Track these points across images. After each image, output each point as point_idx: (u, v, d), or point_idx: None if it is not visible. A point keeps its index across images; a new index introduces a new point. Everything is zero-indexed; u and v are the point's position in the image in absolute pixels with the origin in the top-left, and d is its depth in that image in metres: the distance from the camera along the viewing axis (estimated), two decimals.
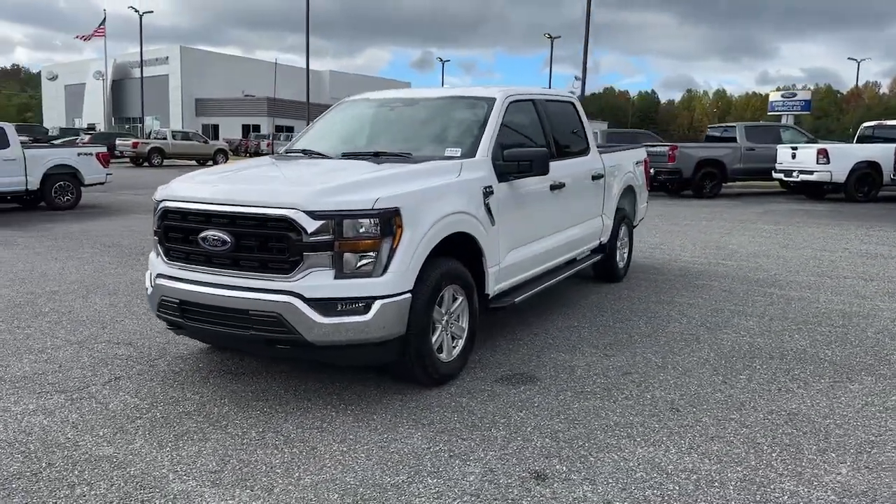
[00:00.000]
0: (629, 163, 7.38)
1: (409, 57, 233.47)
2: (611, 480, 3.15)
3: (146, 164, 32.84)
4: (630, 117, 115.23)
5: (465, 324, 4.48)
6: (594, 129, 9.68)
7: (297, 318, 3.70)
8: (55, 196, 14.59)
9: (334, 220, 3.70)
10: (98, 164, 15.66)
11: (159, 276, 4.22)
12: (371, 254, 3.77)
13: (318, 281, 3.73)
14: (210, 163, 34.46)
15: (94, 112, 56.15)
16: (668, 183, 18.72)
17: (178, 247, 4.11)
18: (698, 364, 4.72)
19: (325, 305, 3.72)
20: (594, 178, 6.30)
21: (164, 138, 34.19)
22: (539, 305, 6.23)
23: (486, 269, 4.63)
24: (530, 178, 5.10)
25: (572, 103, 6.36)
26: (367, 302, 3.76)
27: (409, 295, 3.90)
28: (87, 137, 33.44)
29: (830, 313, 6.08)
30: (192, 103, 54.28)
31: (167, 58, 54.77)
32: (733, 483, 3.13)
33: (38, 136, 37.13)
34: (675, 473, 3.21)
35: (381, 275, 3.79)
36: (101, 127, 51.49)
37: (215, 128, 53.30)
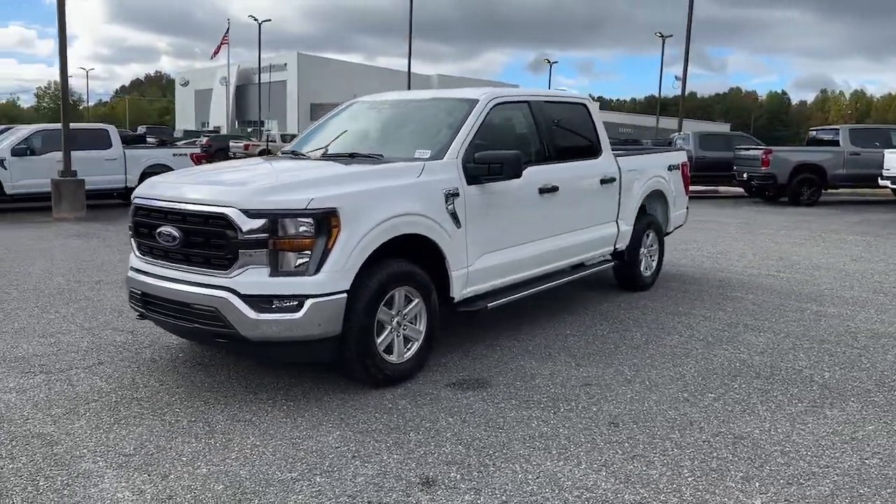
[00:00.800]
0: (656, 167, 7.06)
1: (525, 59, 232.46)
2: (497, 492, 3.06)
3: None
4: (755, 119, 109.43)
5: (422, 326, 4.46)
6: (706, 130, 9.28)
7: (232, 314, 3.83)
8: None
9: (268, 218, 3.80)
10: (192, 164, 16.69)
11: (131, 268, 4.48)
12: (305, 253, 3.83)
13: (254, 278, 3.84)
14: None
15: (220, 115, 59.72)
16: (764, 189, 17.70)
17: (144, 241, 4.35)
18: (671, 380, 4.47)
19: (259, 302, 3.83)
20: (604, 181, 6.08)
21: (274, 141, 35.84)
22: (539, 311, 6.09)
23: (449, 273, 4.59)
24: (512, 182, 5.00)
25: (584, 105, 6.17)
26: (300, 300, 3.83)
27: (344, 295, 3.93)
28: (204, 139, 35.63)
29: (858, 332, 5.58)
30: (308, 107, 56.64)
31: (285, 64, 57.50)
32: None
33: (164, 138, 40.01)
34: (568, 490, 3.08)
35: (315, 274, 3.85)
36: (224, 130, 54.56)
37: None
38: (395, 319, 4.30)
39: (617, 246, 6.51)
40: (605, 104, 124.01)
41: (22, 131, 15.21)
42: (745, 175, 17.56)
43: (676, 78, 44.77)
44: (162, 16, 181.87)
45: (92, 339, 5.28)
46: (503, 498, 3.01)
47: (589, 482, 3.15)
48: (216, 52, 50.64)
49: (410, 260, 4.42)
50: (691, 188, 20.00)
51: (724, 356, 4.96)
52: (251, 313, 3.82)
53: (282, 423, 3.79)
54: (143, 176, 15.40)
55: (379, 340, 4.18)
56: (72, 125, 15.16)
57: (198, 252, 4.01)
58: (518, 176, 4.81)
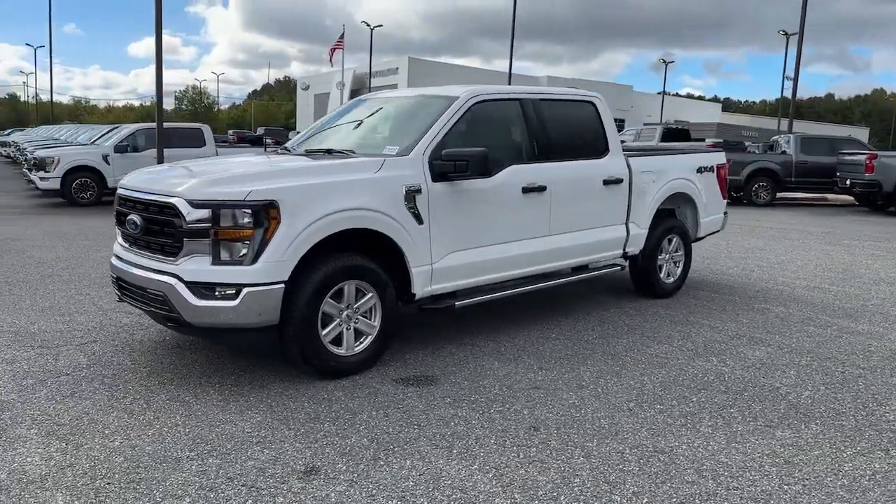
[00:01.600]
0: (680, 169, 6.72)
1: (647, 59, 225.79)
2: (371, 486, 3.06)
3: None
4: None
5: (376, 321, 4.50)
6: (810, 133, 8.78)
7: (177, 299, 4.03)
8: None
9: (211, 209, 3.97)
10: None
11: (114, 254, 4.79)
12: (245, 243, 3.97)
13: (197, 265, 4.01)
14: None
15: None
16: (868, 197, 16.41)
17: (121, 229, 4.65)
18: (626, 389, 4.27)
19: (201, 289, 4.00)
20: (608, 182, 5.87)
21: None
22: (538, 311, 5.98)
23: (409, 269, 4.60)
24: (488, 180, 4.97)
25: (592, 104, 5.98)
26: (238, 289, 3.97)
27: (281, 285, 4.03)
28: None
29: (874, 353, 5.11)
30: None
31: (397, 68, 58.74)
32: None
33: (278, 139, 41.94)
34: (442, 489, 3.03)
35: (252, 264, 3.97)
36: None
37: None
38: (346, 313, 4.35)
39: (628, 250, 6.26)
40: (731, 105, 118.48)
41: (124, 130, 16.47)
42: (847, 181, 16.32)
43: (787, 78, 42.13)
44: (293, 23, 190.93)
45: (101, 320, 5.67)
46: (373, 492, 3.01)
47: (469, 483, 3.08)
48: (331, 57, 52.54)
49: (368, 254, 4.46)
50: (794, 195, 18.92)
51: (703, 368, 4.67)
52: (193, 299, 3.99)
53: (213, 406, 3.93)
54: None
55: (324, 332, 4.25)
56: (169, 125, 16.27)
57: (154, 240, 4.24)
58: (485, 174, 4.75)
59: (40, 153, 15.54)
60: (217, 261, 3.99)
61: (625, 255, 6.29)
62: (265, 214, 3.97)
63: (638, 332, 5.53)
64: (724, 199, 7.38)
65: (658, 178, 6.40)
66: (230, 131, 49.04)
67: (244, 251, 3.97)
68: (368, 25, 50.62)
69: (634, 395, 4.16)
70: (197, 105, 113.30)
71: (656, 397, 4.13)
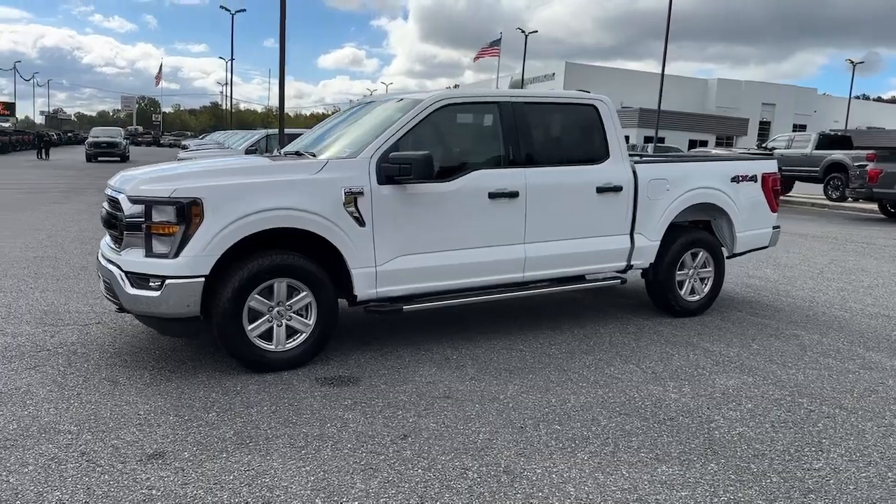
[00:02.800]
0: (706, 177, 6.17)
1: (846, 60, 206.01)
2: (192, 474, 3.16)
3: None
4: None
5: (311, 319, 4.59)
6: None
7: (118, 287, 4.37)
8: None
9: (143, 205, 4.27)
10: None
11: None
12: (170, 237, 4.23)
13: (133, 257, 4.33)
14: None
15: None
16: None
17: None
18: (541, 406, 4.05)
19: (134, 279, 4.31)
20: (602, 189, 5.54)
21: None
22: (525, 321, 5.78)
23: (350, 270, 4.65)
24: (448, 184, 4.92)
25: (594, 107, 5.68)
26: (162, 280, 4.23)
27: (201, 279, 4.24)
28: None
29: (878, 392, 4.44)
30: None
31: (553, 74, 58.36)
32: None
33: None
34: (254, 486, 3.07)
35: (175, 257, 4.22)
36: None
37: None
38: (276, 309, 4.48)
39: (634, 262, 5.86)
40: None
41: (256, 135, 17.79)
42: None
43: None
44: (468, 33, 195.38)
45: (109, 306, 6.21)
46: (189, 481, 3.10)
47: (284, 483, 3.10)
48: (476, 59, 53.23)
49: (310, 254, 4.57)
50: None
51: (647, 393, 4.30)
52: (129, 288, 4.31)
53: (135, 387, 4.21)
54: None
55: (250, 327, 4.41)
56: (291, 130, 17.36)
57: (111, 232, 4.63)
58: (428, 177, 4.69)
59: (181, 155, 17.18)
60: (149, 253, 4.27)
61: (629, 268, 5.90)
62: (189, 211, 4.19)
63: (615, 350, 5.18)
64: (774, 211, 6.67)
65: (674, 187, 5.93)
66: None
67: (169, 245, 4.22)
68: (523, 32, 50.69)
69: (542, 414, 3.92)
70: None
71: (563, 418, 3.88)
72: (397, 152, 4.69)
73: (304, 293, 4.54)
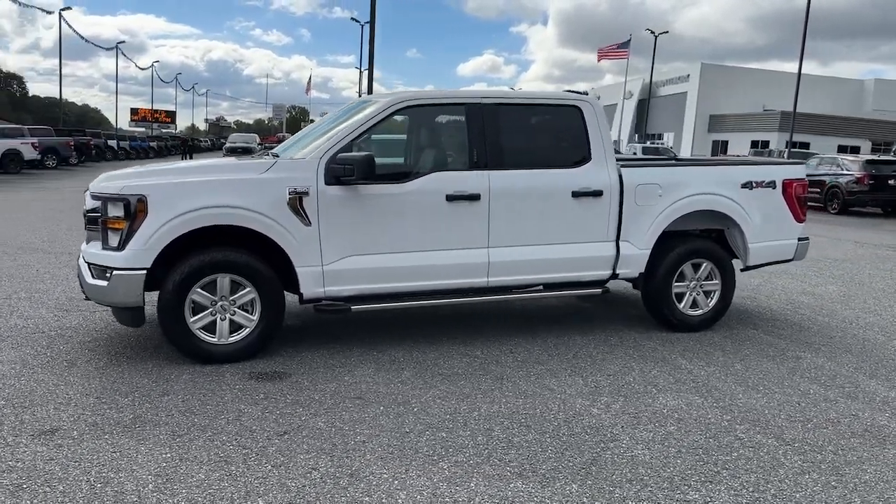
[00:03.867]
0: (707, 183, 5.72)
1: None
2: (69, 452, 3.36)
3: None
4: None
5: (255, 315, 4.75)
6: None
7: (82, 277, 4.74)
8: None
9: (100, 201, 4.60)
10: None
11: None
12: (118, 231, 4.53)
13: (94, 249, 4.68)
14: None
15: (624, 128, 60.96)
16: None
17: None
18: (442, 413, 3.96)
19: (92, 270, 4.65)
20: (579, 194, 5.31)
21: (634, 153, 35.55)
22: (500, 326, 5.65)
23: (295, 269, 4.76)
24: (400, 184, 4.93)
25: (577, 108, 5.46)
26: (110, 271, 4.54)
27: (143, 272, 4.50)
28: None
29: (839, 424, 3.97)
30: (706, 120, 54.20)
31: (688, 76, 55.81)
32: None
33: None
34: (101, 469, 3.24)
35: (121, 250, 4.51)
36: (624, 143, 55.33)
37: (724, 144, 52.22)
38: (220, 304, 4.68)
39: (620, 271, 5.57)
40: None
41: None
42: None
43: None
44: (609, 37, 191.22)
45: None
46: (63, 457, 3.31)
47: (125, 469, 3.23)
48: (599, 58, 51.96)
49: (258, 251, 4.73)
50: None
51: (565, 407, 4.09)
52: (89, 278, 4.65)
53: (87, 371, 4.53)
54: None
55: (193, 319, 4.62)
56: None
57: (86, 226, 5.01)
58: (371, 178, 4.71)
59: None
60: (105, 245, 4.59)
61: (615, 277, 5.60)
62: (134, 207, 4.47)
63: (574, 362, 4.95)
64: (800, 221, 6.09)
65: (668, 193, 5.57)
66: None
67: (117, 238, 4.51)
68: (653, 33, 48.96)
69: (439, 421, 3.84)
70: None
71: (458, 426, 3.77)
72: (344, 153, 4.74)
73: (248, 289, 4.69)
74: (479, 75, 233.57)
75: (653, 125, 60.22)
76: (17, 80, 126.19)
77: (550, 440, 3.62)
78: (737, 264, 6.03)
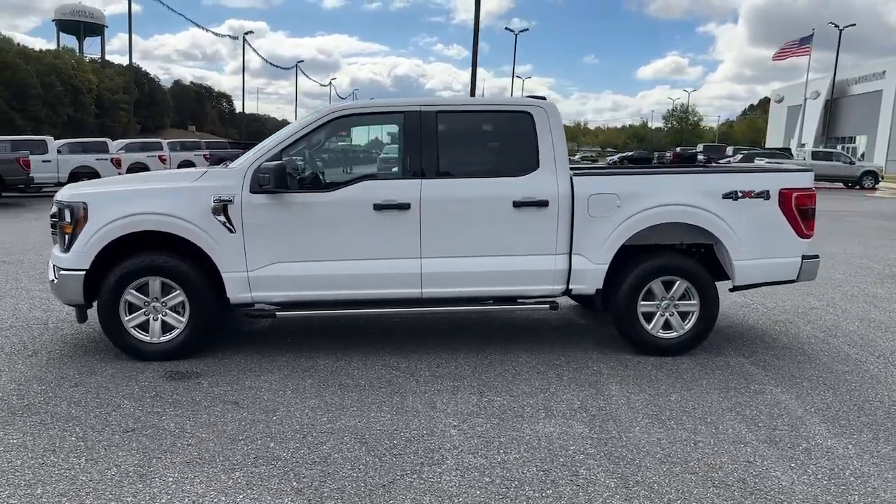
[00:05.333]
0: (677, 192, 5.15)
1: None
2: None
3: None
4: None
5: (184, 317, 5.02)
6: None
7: (50, 276, 5.29)
8: None
9: (58, 207, 5.12)
10: None
11: None
12: (66, 235, 5.00)
13: (56, 252, 5.20)
14: (856, 186, 31.18)
15: (809, 132, 55.86)
16: None
17: None
18: (287, 423, 3.96)
19: (53, 270, 5.18)
20: (521, 204, 5.05)
21: (804, 158, 32.48)
22: (468, 341, 5.51)
23: (221, 274, 4.99)
24: (326, 193, 5.01)
25: (528, 114, 5.20)
26: (59, 272, 5.03)
27: (82, 272, 4.92)
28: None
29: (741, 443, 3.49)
30: None
31: (884, 72, 49.92)
32: None
33: (711, 156, 40.31)
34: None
35: (66, 253, 4.98)
36: (809, 146, 50.84)
37: None
38: (152, 304, 5.00)
39: (573, 287, 5.22)
40: None
41: None
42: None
43: None
44: (807, 33, 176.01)
45: None
46: None
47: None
48: (778, 58, 47.87)
49: (190, 256, 5.01)
50: None
51: (416, 428, 3.92)
52: (52, 277, 5.18)
53: (38, 357, 5.03)
54: None
55: (127, 318, 4.98)
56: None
57: None
58: (281, 187, 4.80)
59: None
60: (61, 248, 5.09)
61: (568, 293, 5.26)
62: (75, 213, 4.91)
63: (484, 382, 4.71)
64: (804, 236, 5.35)
65: (627, 204, 5.13)
66: (676, 149, 48.56)
67: (65, 242, 4.98)
68: (836, 26, 44.46)
69: (278, 431, 3.84)
70: (683, 123, 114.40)
71: (287, 438, 3.76)
72: (266, 163, 4.88)
73: (177, 292, 4.97)
74: (661, 78, 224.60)
75: (842, 127, 54.72)
76: (226, 98, 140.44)
77: (371, 459, 3.50)
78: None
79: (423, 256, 5.04)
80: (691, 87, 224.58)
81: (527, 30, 50.19)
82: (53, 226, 5.13)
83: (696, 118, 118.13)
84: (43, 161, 19.91)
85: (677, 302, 5.28)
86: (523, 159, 5.15)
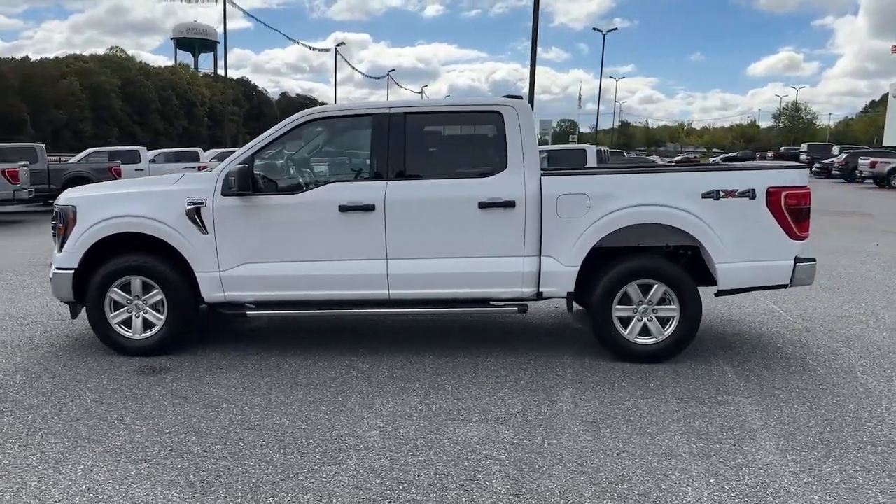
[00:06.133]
0: (652, 192, 4.92)
1: None
2: None
3: (887, 185, 29.72)
4: None
5: (163, 314, 5.26)
6: None
7: (49, 275, 5.68)
8: None
9: (55, 210, 5.48)
10: None
11: None
12: (60, 237, 5.36)
13: (56, 252, 5.58)
14: None
15: None
16: None
17: None
18: (215, 418, 4.08)
19: (51, 267, 5.56)
20: (487, 205, 4.97)
21: None
22: (447, 343, 5.50)
23: (195, 273, 5.20)
24: (294, 196, 5.13)
25: (498, 113, 5.13)
26: (53, 270, 5.39)
27: (70, 271, 5.24)
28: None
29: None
30: None
31: None
32: None
33: (815, 156, 38.31)
34: None
35: (59, 252, 5.33)
36: None
37: None
38: (135, 302, 5.27)
39: (544, 290, 5.10)
40: None
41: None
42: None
43: None
44: None
45: None
46: None
47: None
48: None
49: (169, 256, 5.25)
50: None
51: (355, 437, 3.94)
52: (50, 275, 5.56)
53: (38, 346, 5.41)
54: None
55: (111, 315, 5.27)
56: (557, 146, 17.60)
57: None
58: (244, 189, 4.94)
59: None
60: (57, 249, 5.45)
61: (540, 295, 5.14)
62: (68, 216, 5.25)
63: (433, 384, 4.67)
64: (796, 238, 4.99)
65: (598, 204, 4.96)
66: (780, 149, 46.22)
67: (59, 243, 5.33)
68: None
69: (216, 431, 3.93)
70: (795, 121, 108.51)
71: (201, 432, 3.86)
72: (233, 166, 5.04)
73: (156, 290, 5.21)
74: (774, 74, 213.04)
75: None
76: None
77: (277, 457, 3.55)
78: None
79: (389, 258, 5.05)
80: (807, 84, 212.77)
81: (615, 29, 49.50)
82: (54, 228, 5.48)
83: (809, 116, 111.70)
84: (136, 170, 21.23)
85: (656, 306, 5.04)
86: (492, 160, 5.08)
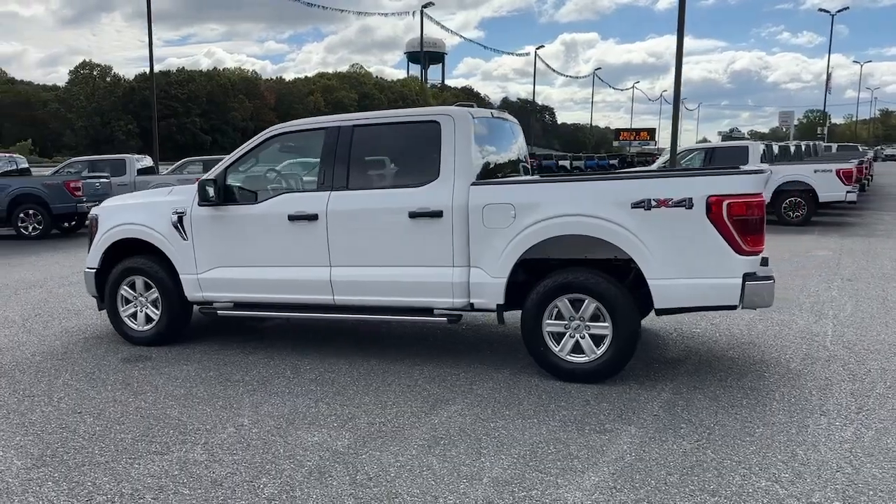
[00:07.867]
0: (579, 201, 4.59)
1: None
2: None
3: None
4: None
5: (159, 310, 6.01)
6: None
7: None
8: None
9: (88, 218, 6.48)
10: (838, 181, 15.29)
11: None
12: (90, 241, 6.33)
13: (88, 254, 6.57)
14: None
15: None
16: None
17: None
18: (142, 415, 4.62)
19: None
20: (416, 214, 5.03)
21: None
22: (401, 350, 5.67)
23: (179, 275, 5.87)
24: (253, 206, 5.59)
25: (436, 123, 5.17)
26: (85, 269, 6.38)
27: (93, 270, 6.17)
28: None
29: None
30: None
31: None
32: None
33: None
34: None
35: (88, 254, 6.31)
36: None
37: None
38: (139, 299, 6.08)
39: (474, 301, 5.05)
40: None
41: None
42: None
43: None
44: None
45: None
46: None
47: None
48: None
49: (161, 259, 5.97)
50: None
51: (166, 422, 4.29)
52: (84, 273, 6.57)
53: (52, 329, 6.43)
54: None
55: (122, 309, 6.12)
56: (721, 143, 16.41)
57: None
58: (205, 200, 5.49)
59: None
60: (88, 251, 6.44)
61: (471, 307, 5.09)
62: (93, 224, 6.21)
63: (369, 392, 4.82)
64: (743, 253, 4.44)
65: (522, 215, 4.80)
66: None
67: (89, 246, 6.31)
68: None
69: (110, 415, 4.45)
70: None
71: (119, 418, 4.37)
72: (203, 179, 5.62)
73: (153, 289, 5.96)
74: None
75: None
76: (549, 111, 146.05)
77: (119, 443, 3.93)
78: None
79: (332, 265, 5.30)
80: None
81: (847, 8, 44.55)
82: (91, 233, 6.46)
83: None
84: (119, 184, 19.13)
85: (588, 323, 4.74)
86: (426, 170, 5.11)
